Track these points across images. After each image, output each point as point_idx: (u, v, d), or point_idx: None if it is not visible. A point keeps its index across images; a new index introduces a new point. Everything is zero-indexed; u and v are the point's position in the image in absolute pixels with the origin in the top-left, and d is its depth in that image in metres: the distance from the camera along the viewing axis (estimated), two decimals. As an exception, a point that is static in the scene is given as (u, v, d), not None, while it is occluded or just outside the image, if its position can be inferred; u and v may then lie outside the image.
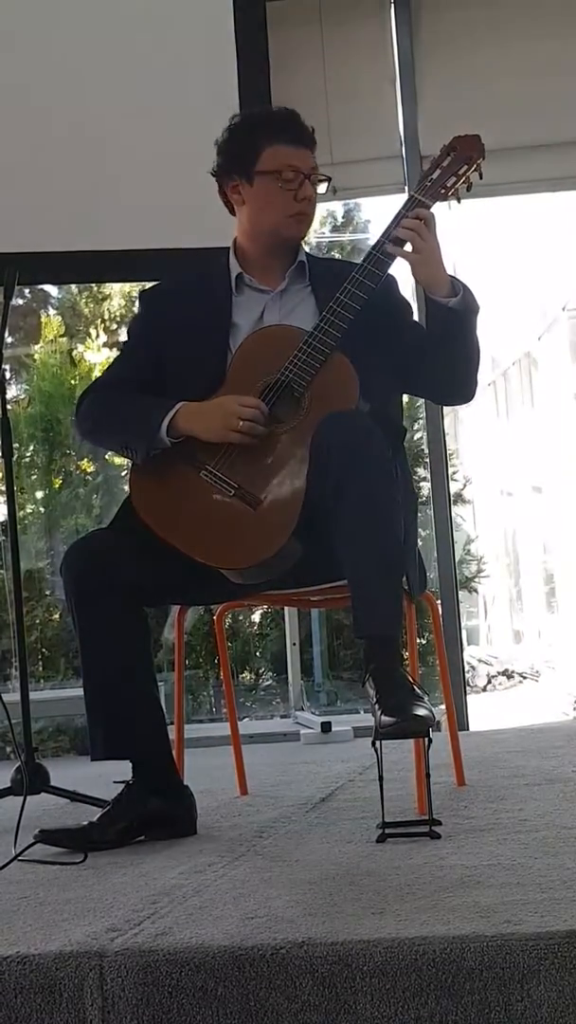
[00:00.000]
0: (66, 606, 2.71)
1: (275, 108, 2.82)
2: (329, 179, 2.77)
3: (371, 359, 2.64)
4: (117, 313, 8.98)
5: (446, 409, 5.90)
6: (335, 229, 9.04)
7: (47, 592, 6.64)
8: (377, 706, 2.35)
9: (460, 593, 5.66)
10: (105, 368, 2.97)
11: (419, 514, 2.94)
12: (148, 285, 3.05)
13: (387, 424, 2.67)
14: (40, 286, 8.39)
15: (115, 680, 2.61)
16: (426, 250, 2.62)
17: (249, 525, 2.57)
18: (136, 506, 2.66)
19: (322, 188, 2.76)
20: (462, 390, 2.79)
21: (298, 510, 2.54)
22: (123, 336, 8.85)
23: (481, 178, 2.69)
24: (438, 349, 2.66)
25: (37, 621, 6.37)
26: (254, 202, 2.74)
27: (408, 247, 2.63)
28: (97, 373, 7.31)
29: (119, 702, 2.61)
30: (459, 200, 2.70)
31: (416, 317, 2.86)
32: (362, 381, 2.61)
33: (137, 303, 2.99)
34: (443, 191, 2.67)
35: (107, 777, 2.76)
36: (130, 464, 2.74)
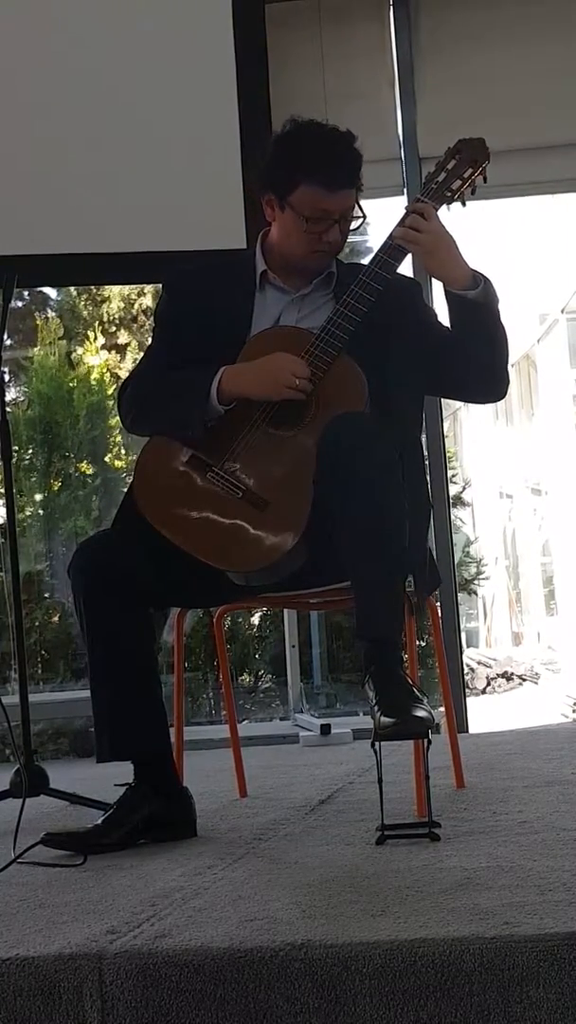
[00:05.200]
0: (73, 607, 2.70)
1: (326, 135, 2.68)
2: (364, 217, 2.70)
3: (393, 366, 2.63)
4: (116, 315, 8.98)
5: (446, 412, 5.90)
6: (364, 221, 9.04)
7: (46, 595, 6.64)
8: (376, 708, 2.35)
9: (459, 595, 5.66)
10: (139, 358, 2.96)
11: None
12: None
13: (403, 431, 2.66)
14: (39, 288, 8.39)
15: (122, 682, 2.61)
16: (426, 241, 2.60)
17: (257, 527, 2.56)
18: (141, 507, 2.64)
19: (355, 224, 2.70)
20: (491, 385, 2.75)
21: (307, 512, 2.53)
22: (121, 338, 8.87)
23: (485, 181, 2.69)
24: (461, 345, 2.64)
25: (36, 623, 6.36)
26: (281, 227, 2.72)
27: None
28: (96, 376, 7.32)
29: (126, 705, 2.61)
30: (463, 204, 2.69)
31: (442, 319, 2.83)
32: (383, 388, 2.60)
33: (162, 288, 2.96)
34: (448, 194, 2.66)
35: (106, 779, 2.76)
36: (133, 466, 2.73)
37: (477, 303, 2.60)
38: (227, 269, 2.82)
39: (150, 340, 2.91)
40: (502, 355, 2.69)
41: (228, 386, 2.59)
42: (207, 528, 2.58)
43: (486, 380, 2.74)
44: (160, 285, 3.01)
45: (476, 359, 2.67)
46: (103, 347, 8.00)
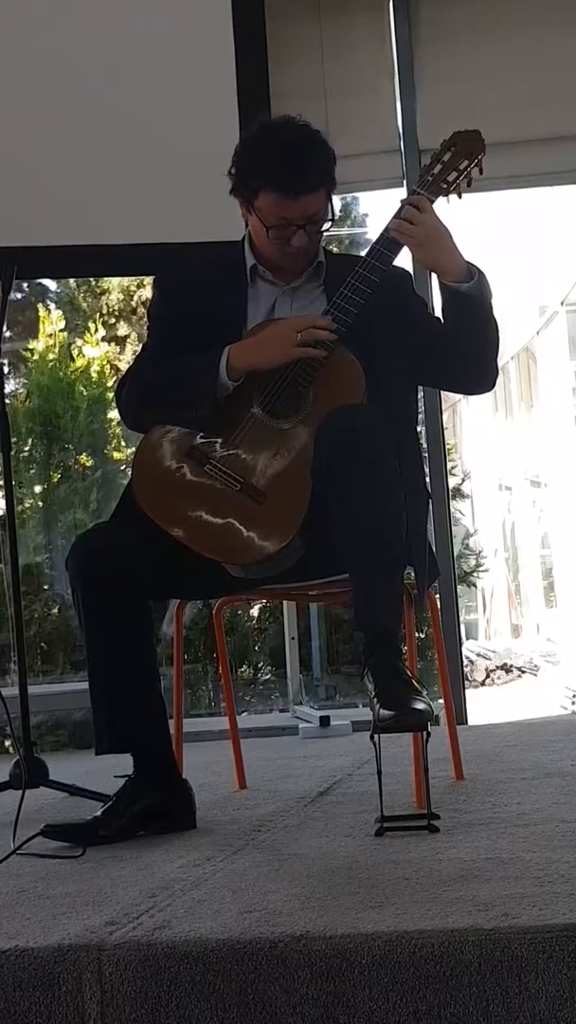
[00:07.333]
0: (71, 600, 2.70)
1: (288, 139, 2.65)
2: (333, 220, 2.67)
3: (384, 357, 2.63)
4: (115, 307, 8.99)
5: (445, 404, 5.89)
6: (333, 223, 9.07)
7: (45, 586, 6.65)
8: (376, 700, 2.35)
9: (459, 587, 5.67)
10: (135, 357, 2.95)
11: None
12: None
13: (398, 421, 2.66)
14: (38, 280, 8.40)
15: (120, 674, 2.61)
16: (420, 233, 2.59)
17: (255, 520, 2.56)
18: (140, 501, 2.64)
19: (325, 226, 2.67)
20: (480, 377, 2.74)
21: (305, 506, 2.53)
22: (121, 330, 8.87)
23: (481, 173, 2.68)
24: (452, 336, 2.63)
25: (36, 615, 6.38)
26: (252, 229, 2.72)
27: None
28: (96, 368, 7.32)
29: (124, 697, 2.61)
30: (460, 196, 2.68)
31: (432, 310, 2.83)
32: (374, 379, 2.60)
33: (151, 288, 2.96)
34: (444, 186, 2.65)
35: (105, 771, 2.76)
36: (131, 459, 2.72)
37: (471, 296, 2.60)
38: (217, 264, 2.81)
39: (146, 338, 2.90)
40: (492, 348, 2.69)
41: (236, 361, 2.58)
42: (205, 521, 2.58)
43: (476, 372, 2.74)
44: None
45: (467, 351, 2.66)
46: (103, 339, 8.00)
